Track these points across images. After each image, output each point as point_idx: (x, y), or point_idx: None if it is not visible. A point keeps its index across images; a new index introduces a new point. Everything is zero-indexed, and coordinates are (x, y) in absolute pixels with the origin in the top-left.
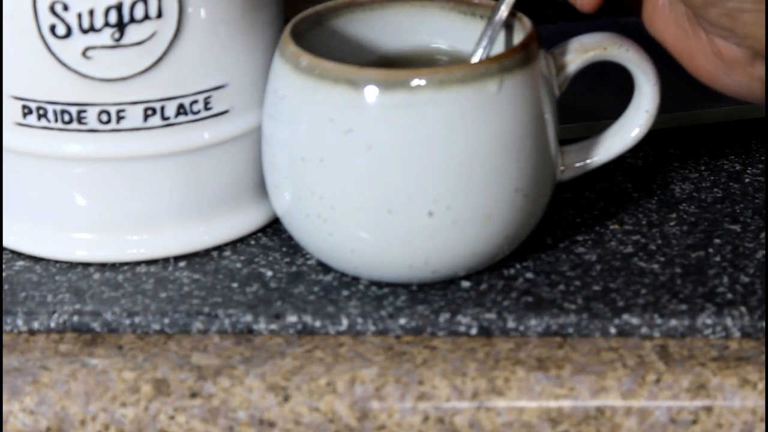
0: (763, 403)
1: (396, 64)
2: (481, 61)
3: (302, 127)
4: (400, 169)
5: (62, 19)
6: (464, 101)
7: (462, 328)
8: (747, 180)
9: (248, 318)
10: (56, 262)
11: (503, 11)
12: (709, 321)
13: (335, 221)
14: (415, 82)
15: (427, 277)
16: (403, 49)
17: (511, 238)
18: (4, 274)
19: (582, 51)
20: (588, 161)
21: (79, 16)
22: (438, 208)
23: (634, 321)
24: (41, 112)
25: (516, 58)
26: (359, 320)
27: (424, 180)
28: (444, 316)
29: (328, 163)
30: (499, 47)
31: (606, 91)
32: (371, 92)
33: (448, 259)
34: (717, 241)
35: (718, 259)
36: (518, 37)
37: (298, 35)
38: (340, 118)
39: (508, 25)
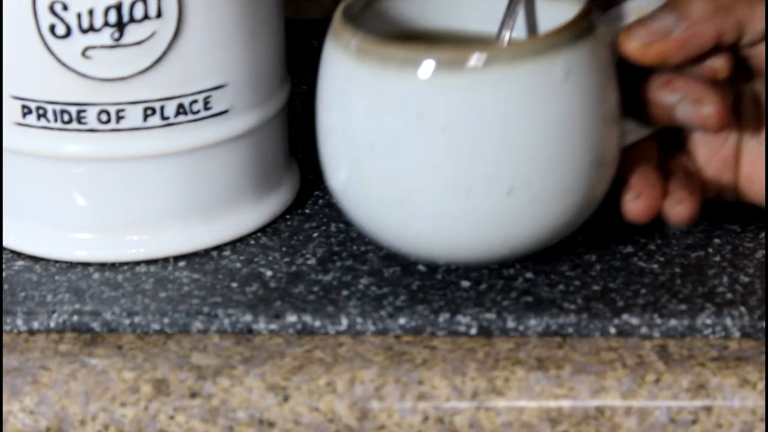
0: (762, 403)
1: (445, 42)
2: (550, 33)
3: (369, 115)
4: (477, 150)
5: (62, 19)
6: (537, 75)
7: (462, 328)
8: None
9: (248, 318)
10: (56, 262)
11: None
12: (708, 321)
13: (411, 208)
14: (487, 59)
15: (504, 256)
16: (450, 28)
17: (586, 211)
18: (3, 274)
19: (637, 15)
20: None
21: (79, 15)
22: (517, 186)
23: (634, 321)
24: (41, 111)
25: (582, 27)
26: (359, 320)
27: (502, 158)
28: (444, 316)
29: (400, 150)
30: (548, 24)
31: None
32: (441, 73)
33: (527, 236)
34: (717, 241)
35: (717, 258)
36: (569, 9)
37: (349, 21)
38: (410, 103)
39: (549, 1)
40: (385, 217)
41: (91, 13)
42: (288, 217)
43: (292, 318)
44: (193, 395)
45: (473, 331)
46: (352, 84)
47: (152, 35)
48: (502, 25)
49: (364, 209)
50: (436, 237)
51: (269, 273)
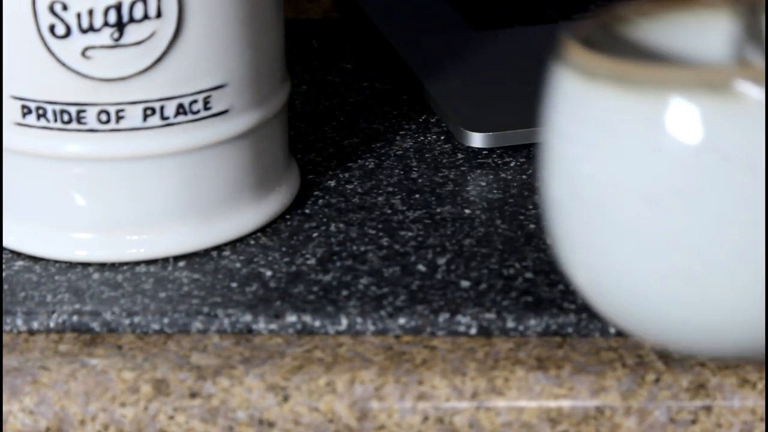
0: (762, 402)
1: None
2: None
3: (646, 159)
4: None
5: (61, 19)
6: None
7: (461, 328)
8: None
9: (248, 318)
10: (56, 262)
11: None
12: None
13: (709, 281)
14: None
15: None
16: (684, 55)
17: None
18: (3, 274)
19: None
20: None
21: (79, 15)
22: None
23: None
24: (40, 112)
25: None
26: (359, 320)
27: None
28: (443, 316)
29: (693, 203)
30: None
31: None
32: (753, 100)
33: None
34: None
35: None
36: None
37: (591, 46)
38: (711, 141)
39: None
40: (667, 294)
41: (90, 13)
42: (288, 217)
43: (291, 318)
44: (193, 395)
45: (473, 331)
46: (615, 122)
47: (152, 35)
48: (746, 43)
49: (630, 284)
50: (742, 323)
51: (269, 273)
